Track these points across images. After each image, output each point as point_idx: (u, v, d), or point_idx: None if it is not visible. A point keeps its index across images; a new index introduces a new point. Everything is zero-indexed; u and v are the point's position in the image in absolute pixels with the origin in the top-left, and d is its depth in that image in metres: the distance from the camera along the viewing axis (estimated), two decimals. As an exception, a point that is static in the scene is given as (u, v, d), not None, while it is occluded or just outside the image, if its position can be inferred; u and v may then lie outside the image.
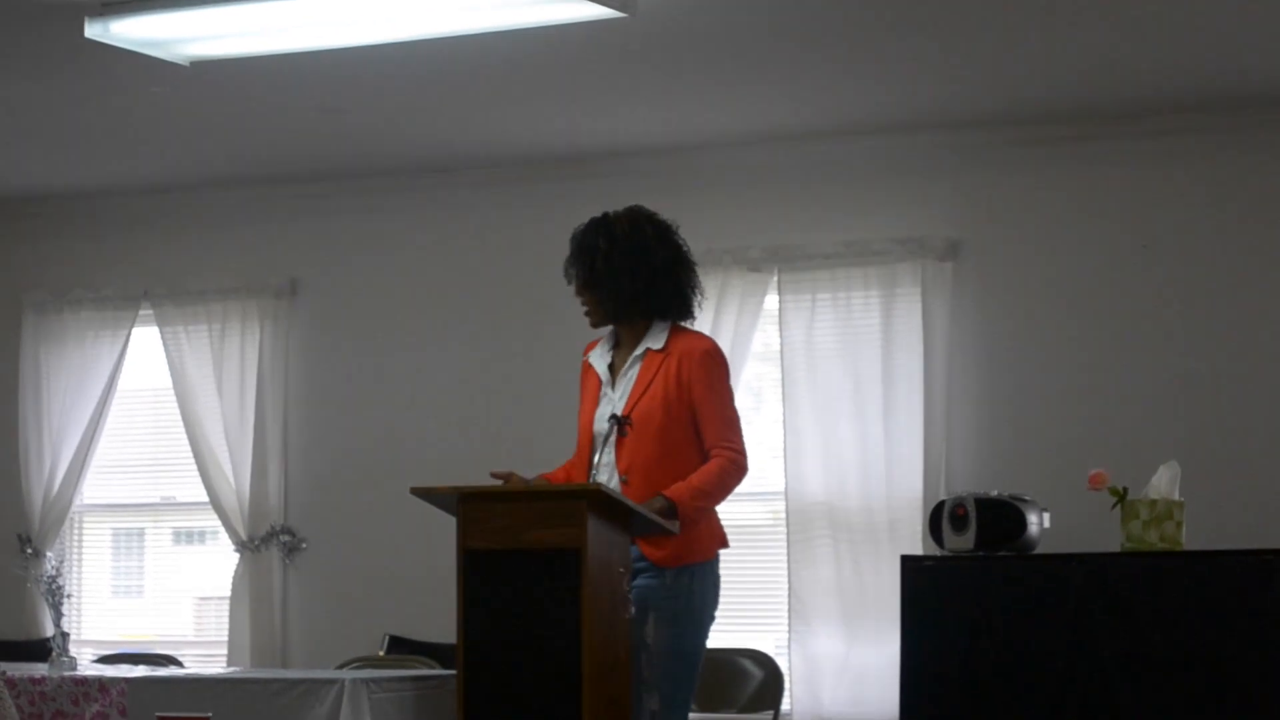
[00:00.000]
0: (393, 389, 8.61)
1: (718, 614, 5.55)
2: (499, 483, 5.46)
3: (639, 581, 5.41)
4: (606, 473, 5.49)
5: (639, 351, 5.57)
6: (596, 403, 5.60)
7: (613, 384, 5.60)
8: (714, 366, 5.53)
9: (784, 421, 7.87)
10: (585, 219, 5.67)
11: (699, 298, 5.66)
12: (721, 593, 5.56)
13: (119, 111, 7.58)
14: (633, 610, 5.32)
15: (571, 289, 5.63)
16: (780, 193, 8.03)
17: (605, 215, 5.62)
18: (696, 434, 5.50)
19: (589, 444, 5.57)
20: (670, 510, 5.35)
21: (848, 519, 7.74)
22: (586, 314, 5.63)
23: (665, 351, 5.53)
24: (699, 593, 5.48)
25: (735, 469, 5.48)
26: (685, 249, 5.63)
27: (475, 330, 8.50)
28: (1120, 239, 7.59)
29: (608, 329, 5.67)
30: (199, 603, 9.19)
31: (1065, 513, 6.74)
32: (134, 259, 9.08)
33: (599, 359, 5.66)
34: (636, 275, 5.53)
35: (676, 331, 5.58)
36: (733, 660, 7.27)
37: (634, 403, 5.50)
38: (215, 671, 7.29)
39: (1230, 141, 7.46)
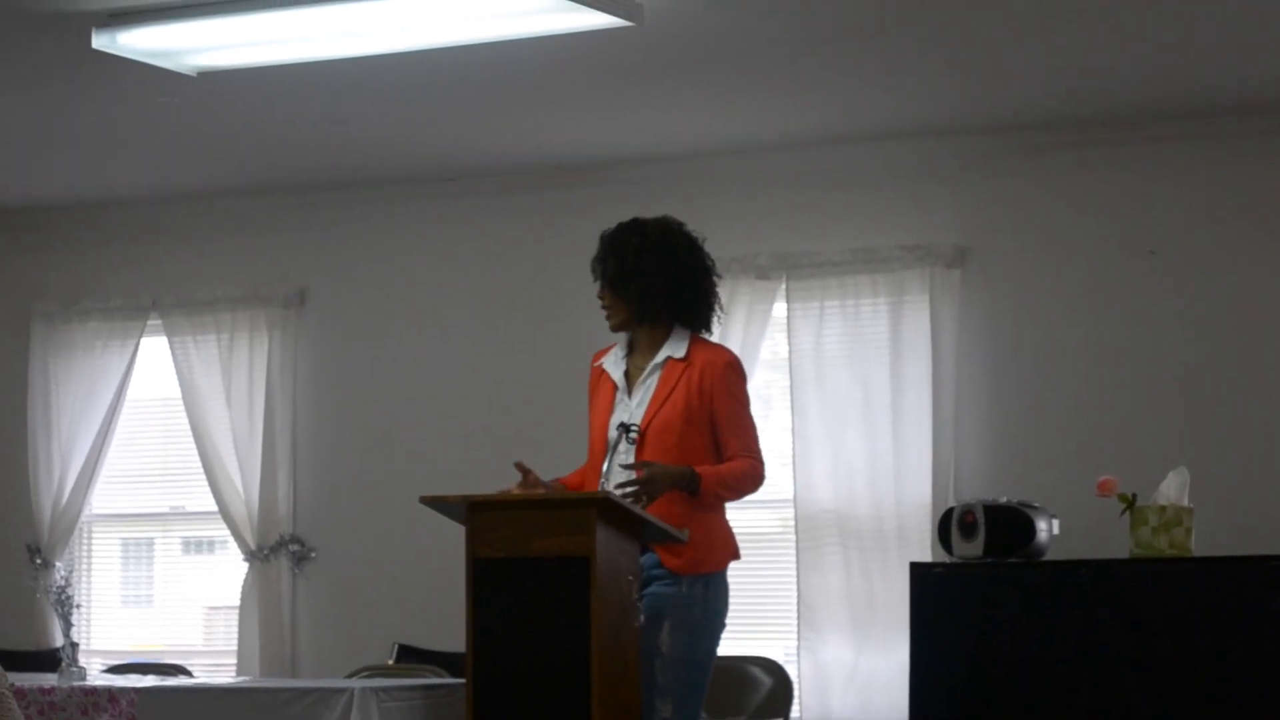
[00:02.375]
0: (401, 398, 8.60)
1: (726, 621, 5.57)
2: (509, 489, 5.47)
3: (654, 589, 5.42)
4: (619, 479, 5.48)
5: (659, 359, 5.56)
6: (611, 409, 5.60)
7: (629, 391, 5.60)
8: (736, 379, 5.57)
9: (793, 429, 7.86)
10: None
11: (719, 313, 5.69)
12: (730, 599, 5.58)
13: (126, 122, 7.58)
14: (642, 618, 5.32)
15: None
16: (788, 200, 8.03)
17: (637, 218, 5.64)
18: (714, 444, 5.51)
19: (602, 451, 5.56)
20: (693, 480, 5.36)
21: (857, 526, 7.73)
22: (608, 316, 5.62)
23: (687, 361, 5.53)
24: (714, 600, 5.50)
25: (755, 475, 5.53)
26: (712, 263, 5.65)
27: (484, 339, 8.49)
28: (1127, 245, 7.58)
29: (620, 335, 5.68)
30: (208, 612, 9.18)
31: (1074, 519, 6.74)
32: (142, 269, 9.08)
33: (614, 366, 5.65)
34: (667, 275, 5.53)
35: (697, 342, 5.59)
36: (742, 668, 7.26)
37: (655, 411, 5.50)
38: (225, 681, 7.31)
39: (1236, 147, 7.45)
